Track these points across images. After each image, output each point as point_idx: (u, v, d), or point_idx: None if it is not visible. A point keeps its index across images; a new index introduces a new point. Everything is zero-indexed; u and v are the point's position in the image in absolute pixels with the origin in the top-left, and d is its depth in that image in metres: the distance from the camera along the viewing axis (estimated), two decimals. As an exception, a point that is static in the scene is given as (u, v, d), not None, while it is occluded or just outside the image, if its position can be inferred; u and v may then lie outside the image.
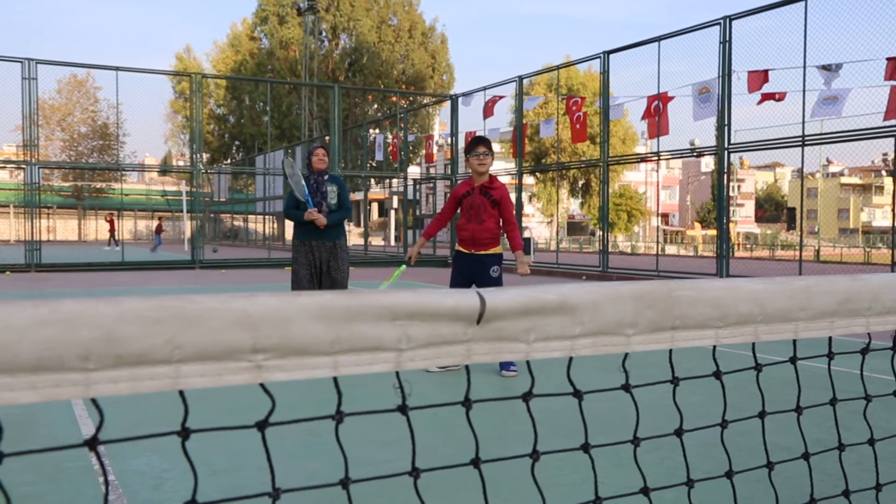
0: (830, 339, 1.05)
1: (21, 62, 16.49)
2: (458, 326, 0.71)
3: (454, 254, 5.51)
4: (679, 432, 0.96)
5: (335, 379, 0.70)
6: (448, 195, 5.47)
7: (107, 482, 0.64)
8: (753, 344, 0.94)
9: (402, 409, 0.76)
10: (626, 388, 0.87)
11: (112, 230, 33.52)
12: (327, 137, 26.69)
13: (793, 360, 1.08)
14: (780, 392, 4.66)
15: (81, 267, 17.31)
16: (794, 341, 1.00)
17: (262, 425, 0.70)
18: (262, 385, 0.66)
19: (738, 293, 0.89)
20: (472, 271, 5.29)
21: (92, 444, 0.63)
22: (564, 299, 0.77)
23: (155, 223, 36.69)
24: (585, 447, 0.87)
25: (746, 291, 0.89)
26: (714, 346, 0.92)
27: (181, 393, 0.66)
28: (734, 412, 4.07)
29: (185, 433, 0.68)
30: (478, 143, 5.35)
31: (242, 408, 4.18)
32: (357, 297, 0.67)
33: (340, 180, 6.18)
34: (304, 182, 5.96)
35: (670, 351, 0.90)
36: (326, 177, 6.08)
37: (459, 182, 5.57)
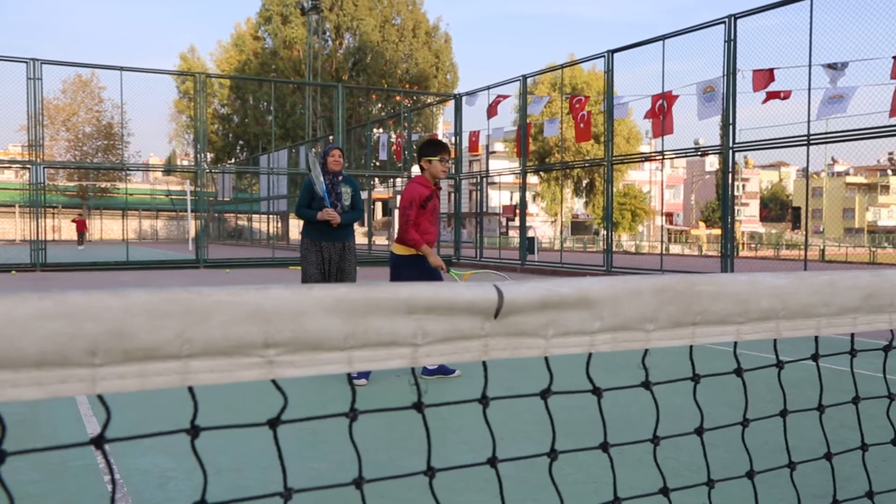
0: (853, 336, 1.03)
1: (26, 62, 16.51)
2: (475, 321, 0.69)
3: (407, 259, 5.11)
4: (700, 431, 0.94)
5: (349, 375, 0.68)
6: (413, 202, 5.06)
7: (114, 480, 0.62)
8: (775, 341, 0.92)
9: (418, 406, 0.74)
10: (647, 385, 0.84)
11: (81, 230, 32.68)
12: (331, 137, 26.68)
13: (814, 357, 1.06)
14: (792, 391, 4.63)
15: (86, 266, 17.33)
16: (816, 339, 0.97)
17: (273, 423, 0.68)
18: (273, 381, 0.64)
19: (761, 288, 0.86)
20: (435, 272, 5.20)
21: (98, 442, 0.61)
22: (584, 293, 0.75)
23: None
24: (604, 446, 0.84)
25: (769, 286, 0.87)
26: (735, 343, 0.89)
27: (190, 389, 0.64)
28: (743, 411, 4.04)
29: (193, 431, 0.66)
30: (444, 149, 5.19)
31: (246, 406, 4.16)
32: (373, 291, 0.65)
33: (354, 182, 6.18)
34: (323, 179, 5.97)
35: (690, 347, 0.88)
36: (341, 178, 6.05)
37: (410, 184, 5.21)
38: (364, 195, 37.66)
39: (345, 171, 6.55)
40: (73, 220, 33.22)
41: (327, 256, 5.92)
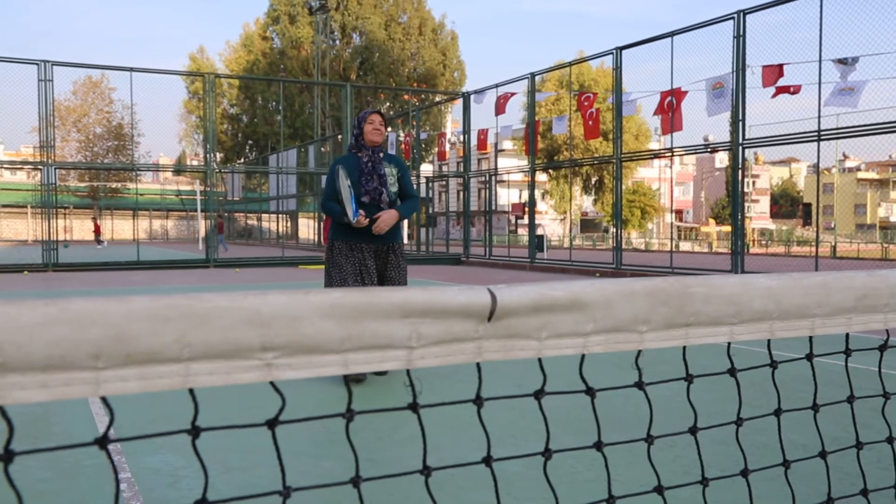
0: (847, 335, 1.04)
1: (37, 64, 16.65)
2: (469, 324, 0.71)
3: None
4: (694, 430, 0.95)
5: (345, 377, 0.69)
6: None
7: (117, 481, 0.64)
8: (769, 341, 0.93)
9: (413, 407, 0.76)
10: (640, 385, 0.86)
11: (97, 231, 35.79)
12: (340, 136, 26.73)
13: (809, 356, 1.07)
14: (795, 389, 4.62)
15: (98, 266, 17.46)
16: (811, 338, 0.98)
17: (272, 424, 0.70)
18: (272, 383, 0.66)
19: (754, 289, 0.87)
20: None
21: (102, 442, 0.63)
22: (576, 296, 0.76)
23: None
24: (598, 445, 0.86)
25: (762, 287, 0.88)
26: (728, 343, 0.91)
27: (191, 391, 0.66)
28: (748, 409, 4.04)
29: (195, 431, 0.68)
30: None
31: (257, 405, 4.19)
32: (368, 295, 0.67)
33: (400, 161, 4.78)
34: (349, 191, 4.51)
35: (683, 348, 0.89)
36: (382, 154, 4.65)
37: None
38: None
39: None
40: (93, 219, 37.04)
41: (370, 264, 4.57)
